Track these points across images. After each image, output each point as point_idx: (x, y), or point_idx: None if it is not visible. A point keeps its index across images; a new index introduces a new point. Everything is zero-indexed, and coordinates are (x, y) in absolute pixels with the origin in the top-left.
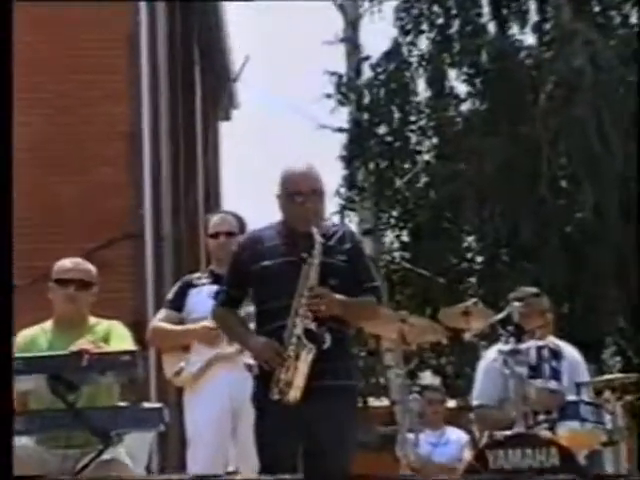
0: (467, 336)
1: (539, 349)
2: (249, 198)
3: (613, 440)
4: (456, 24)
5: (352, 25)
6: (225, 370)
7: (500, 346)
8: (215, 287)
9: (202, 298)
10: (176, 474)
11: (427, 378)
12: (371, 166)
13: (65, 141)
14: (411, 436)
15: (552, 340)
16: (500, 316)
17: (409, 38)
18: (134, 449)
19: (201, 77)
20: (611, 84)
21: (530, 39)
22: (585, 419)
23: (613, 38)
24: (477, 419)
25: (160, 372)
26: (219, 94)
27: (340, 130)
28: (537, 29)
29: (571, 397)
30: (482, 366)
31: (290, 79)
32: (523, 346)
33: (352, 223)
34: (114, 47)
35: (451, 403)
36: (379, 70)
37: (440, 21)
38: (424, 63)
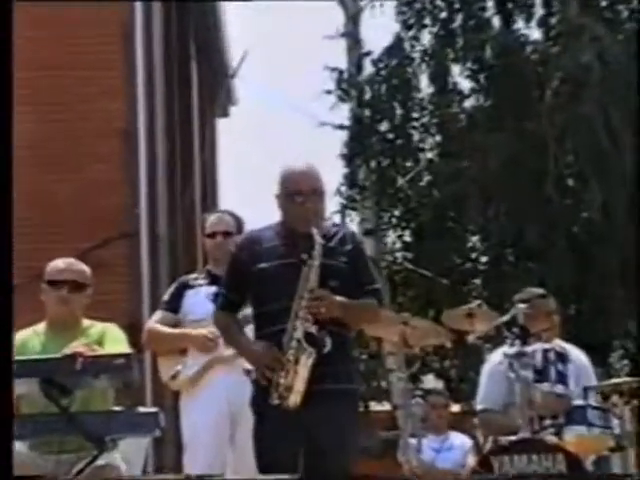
0: (471, 339)
1: (545, 352)
2: (247, 197)
3: (621, 445)
4: (459, 18)
5: (353, 19)
6: (223, 373)
7: (505, 349)
8: (212, 288)
9: (199, 299)
10: (172, 475)
11: (430, 382)
12: (372, 164)
13: (59, 138)
14: (414, 441)
15: (558, 343)
16: (505, 318)
17: (411, 33)
18: (129, 455)
19: (198, 73)
20: (619, 80)
21: (536, 34)
22: (592, 424)
23: (621, 33)
24: (481, 424)
25: (156, 376)
26: (216, 90)
27: (341, 127)
28: (543, 23)
29: (578, 401)
30: (487, 369)
31: (289, 75)
32: (529, 349)
33: (353, 223)
34: (109, 43)
35: (455, 407)
36: (381, 66)
37: (443, 15)
38: (427, 58)
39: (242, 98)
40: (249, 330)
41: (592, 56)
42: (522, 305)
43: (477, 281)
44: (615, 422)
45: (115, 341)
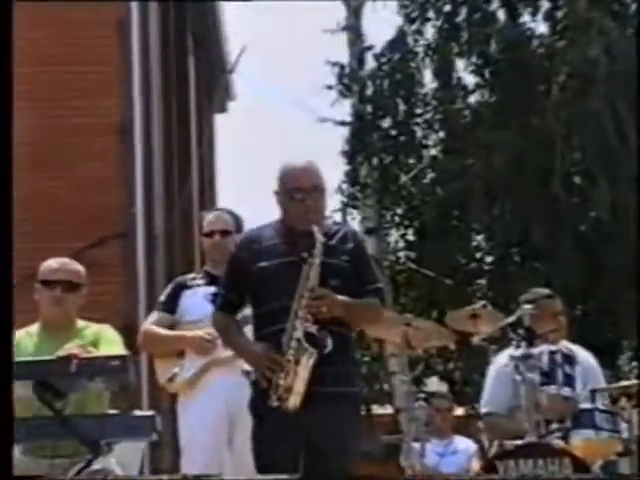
0: (476, 340)
1: (552, 354)
2: (246, 195)
3: (629, 450)
4: (464, 12)
5: (355, 13)
6: (221, 375)
7: (511, 351)
8: (210, 288)
9: (197, 300)
10: (168, 475)
11: (434, 385)
12: (374, 161)
13: (52, 135)
14: (417, 446)
15: (565, 344)
16: (510, 319)
17: (415, 26)
18: (125, 459)
19: (195, 68)
20: (627, 75)
21: (542, 27)
22: (600, 428)
23: (629, 27)
24: (486, 428)
25: (152, 378)
26: (214, 85)
27: (342, 123)
28: (549, 17)
29: (585, 405)
30: (492, 372)
31: (289, 70)
32: (535, 351)
33: (354, 221)
34: (104, 37)
35: (459, 411)
36: (383, 60)
37: (447, 8)
38: (430, 53)
39: (240, 93)
40: (248, 331)
41: (600, 50)
42: (528, 306)
43: (482, 281)
44: (623, 426)
45: (110, 343)
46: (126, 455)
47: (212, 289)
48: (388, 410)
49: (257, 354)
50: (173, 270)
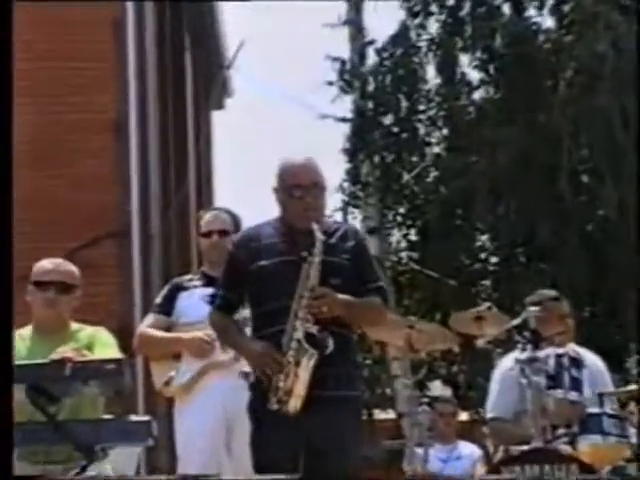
0: (480, 343)
1: (558, 357)
2: (244, 193)
3: (638, 455)
4: (468, 5)
5: (356, 6)
6: (218, 379)
7: (516, 354)
8: (208, 290)
9: (193, 302)
10: (165, 475)
11: (437, 389)
12: (376, 159)
13: (45, 132)
14: (420, 451)
15: (572, 347)
16: (516, 321)
17: (417, 20)
18: (120, 465)
19: (192, 64)
20: (635, 70)
21: (548, 22)
22: (608, 433)
23: (637, 21)
24: (491, 433)
25: (148, 382)
26: (212, 82)
27: (343, 120)
28: (556, 11)
29: (593, 409)
30: (497, 376)
31: (288, 65)
32: (541, 354)
33: (356, 221)
34: (99, 32)
35: (463, 416)
36: (385, 55)
37: (451, 2)
38: (434, 48)
39: (238, 90)
40: (247, 332)
41: (607, 45)
42: (534, 308)
43: (486, 282)
44: (632, 431)
45: (105, 346)
46: (121, 461)
47: (209, 290)
48: (390, 415)
49: (257, 352)
50: (169, 271)
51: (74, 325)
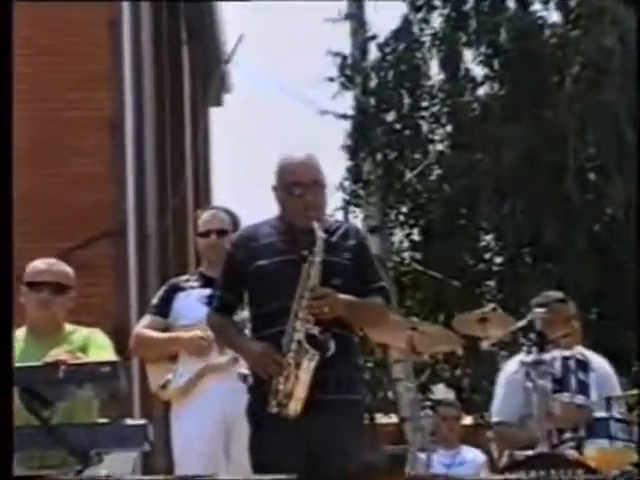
0: (485, 345)
1: (565, 360)
2: (243, 192)
3: None
4: None
5: (357, 0)
6: (216, 382)
7: (521, 357)
8: (205, 291)
9: (191, 303)
10: (163, 476)
11: (440, 392)
12: (378, 157)
13: (39, 129)
14: (423, 456)
15: (579, 350)
16: (521, 323)
17: (420, 15)
18: (116, 470)
19: (190, 59)
20: (636, 67)
21: (554, 16)
22: (615, 437)
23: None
24: (496, 437)
25: (144, 385)
26: (209, 77)
27: (344, 117)
28: (562, 5)
29: (600, 413)
30: (502, 379)
31: (288, 60)
32: (547, 357)
33: (357, 220)
34: (95, 28)
35: (467, 420)
36: (387, 50)
37: None
38: (437, 42)
39: (237, 85)
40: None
41: (615, 40)
42: (540, 309)
43: (491, 283)
44: None
45: (100, 348)
46: (117, 466)
47: (207, 291)
48: (392, 419)
49: (257, 352)
50: (166, 271)
51: (68, 327)
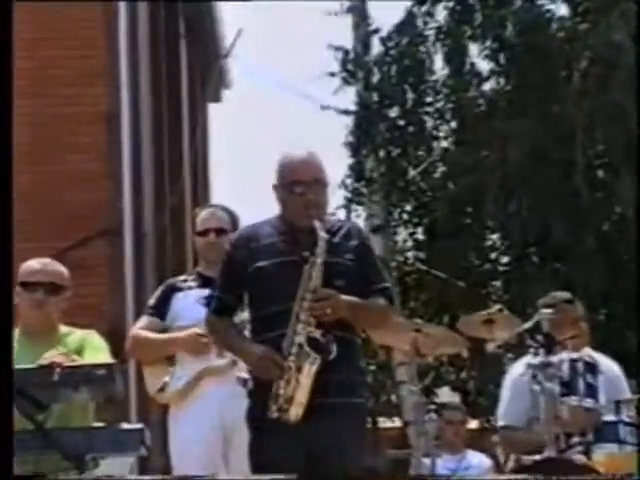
0: (490, 347)
1: (573, 362)
2: (243, 190)
3: None
4: None
5: None
6: (215, 385)
7: (528, 359)
8: (204, 291)
9: (189, 303)
10: (161, 475)
11: (445, 395)
12: (381, 154)
13: (32, 125)
14: (427, 461)
15: (587, 352)
16: (528, 325)
17: (425, 8)
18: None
19: (188, 53)
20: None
21: (562, 9)
22: (625, 442)
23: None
24: (502, 441)
25: (141, 388)
26: (208, 72)
27: (346, 112)
28: None
29: (609, 417)
30: (508, 382)
31: (289, 55)
32: (554, 359)
33: (359, 219)
34: (89, 20)
35: (472, 424)
36: (390, 44)
37: None
38: (441, 36)
39: (236, 81)
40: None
41: (624, 34)
42: (547, 310)
43: (497, 283)
44: None
45: (96, 350)
46: (113, 471)
47: (205, 292)
48: (396, 423)
49: (257, 355)
50: (163, 271)
51: (63, 328)
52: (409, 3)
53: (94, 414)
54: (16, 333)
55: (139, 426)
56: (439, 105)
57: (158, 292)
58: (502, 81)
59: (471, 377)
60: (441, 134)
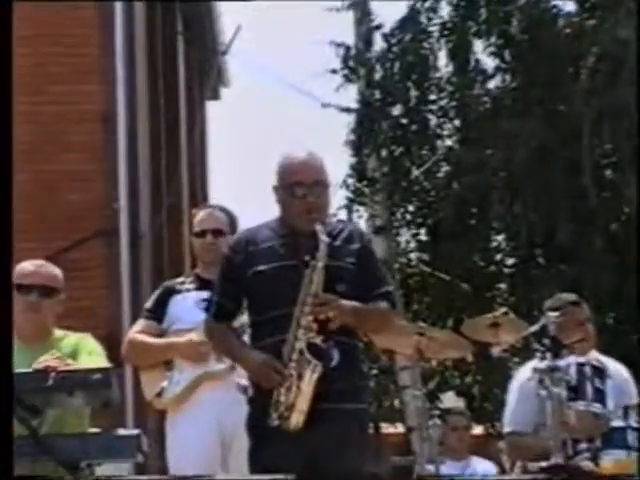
0: (496, 351)
1: (580, 366)
2: (241, 190)
3: None
4: None
5: None
6: (214, 390)
7: (535, 363)
8: (202, 293)
9: (187, 306)
10: (158, 475)
11: (449, 400)
12: (383, 153)
13: (26, 124)
14: (431, 468)
15: (595, 356)
16: (534, 328)
17: (428, 3)
18: None
19: (185, 50)
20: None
21: (569, 5)
22: (633, 448)
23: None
24: (508, 448)
25: (138, 393)
26: (206, 69)
27: (347, 110)
28: None
29: (617, 422)
30: (514, 387)
31: (288, 52)
32: (561, 363)
33: (361, 219)
34: (84, 15)
35: (477, 429)
36: (393, 41)
37: None
38: (446, 33)
39: (235, 78)
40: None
41: (630, 30)
42: (553, 313)
43: (503, 286)
44: None
45: (91, 354)
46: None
47: (204, 294)
48: (399, 429)
49: (258, 363)
50: (161, 273)
51: (58, 332)
52: None
53: (89, 420)
54: None
55: (136, 432)
56: (443, 103)
57: (155, 295)
58: (507, 78)
59: (476, 382)
60: (445, 133)
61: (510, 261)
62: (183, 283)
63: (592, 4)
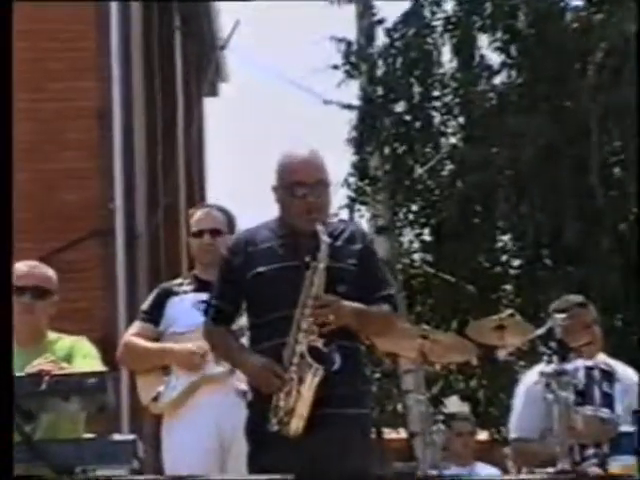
0: (502, 355)
1: (588, 370)
2: (240, 189)
3: None
4: None
5: None
6: (212, 394)
7: (542, 367)
8: (200, 295)
9: (184, 308)
10: (154, 475)
11: (454, 405)
12: (386, 151)
13: (20, 121)
14: (434, 473)
15: (603, 359)
16: (541, 331)
17: None
18: None
19: (183, 45)
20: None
21: None
22: None
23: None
24: (514, 454)
25: (134, 397)
26: (204, 65)
27: (349, 107)
28: None
29: (626, 427)
30: (520, 391)
31: (288, 47)
32: (569, 366)
33: (363, 219)
34: (80, 11)
35: (482, 435)
36: (396, 36)
37: None
38: (450, 27)
39: (233, 74)
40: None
41: (636, 25)
42: (560, 315)
43: (508, 287)
44: None
45: (86, 357)
46: None
47: (202, 296)
48: (402, 434)
49: (257, 367)
50: (157, 274)
51: (52, 335)
52: None
53: (84, 425)
54: None
55: (131, 437)
56: (447, 99)
57: (152, 296)
58: (513, 74)
59: (481, 386)
60: (449, 130)
61: (516, 262)
62: (181, 284)
63: None
